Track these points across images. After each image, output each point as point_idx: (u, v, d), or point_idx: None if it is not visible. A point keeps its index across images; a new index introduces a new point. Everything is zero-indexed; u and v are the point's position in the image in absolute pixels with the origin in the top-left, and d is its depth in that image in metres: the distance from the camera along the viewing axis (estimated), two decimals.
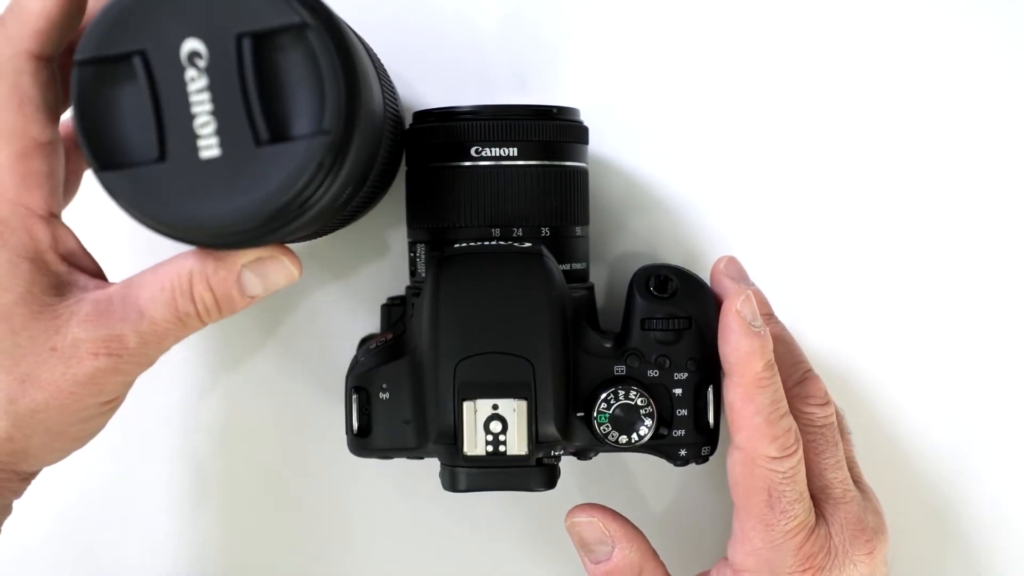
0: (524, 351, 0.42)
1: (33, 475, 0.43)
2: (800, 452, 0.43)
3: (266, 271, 0.39)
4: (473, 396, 0.42)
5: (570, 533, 0.46)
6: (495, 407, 0.42)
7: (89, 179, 0.35)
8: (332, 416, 0.53)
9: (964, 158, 0.52)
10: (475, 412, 0.42)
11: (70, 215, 0.52)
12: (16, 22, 0.38)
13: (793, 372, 0.46)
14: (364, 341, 0.49)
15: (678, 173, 0.52)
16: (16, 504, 0.54)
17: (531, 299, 0.42)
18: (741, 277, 0.47)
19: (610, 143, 0.51)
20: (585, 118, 0.48)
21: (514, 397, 0.42)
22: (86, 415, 0.40)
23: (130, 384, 0.41)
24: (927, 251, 0.52)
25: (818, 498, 0.45)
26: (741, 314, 0.43)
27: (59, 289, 0.39)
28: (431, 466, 0.46)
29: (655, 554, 0.46)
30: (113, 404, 0.41)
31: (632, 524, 0.46)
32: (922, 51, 0.52)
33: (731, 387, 0.43)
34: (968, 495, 0.53)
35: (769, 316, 0.47)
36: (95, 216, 0.52)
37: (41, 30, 0.38)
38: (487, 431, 0.42)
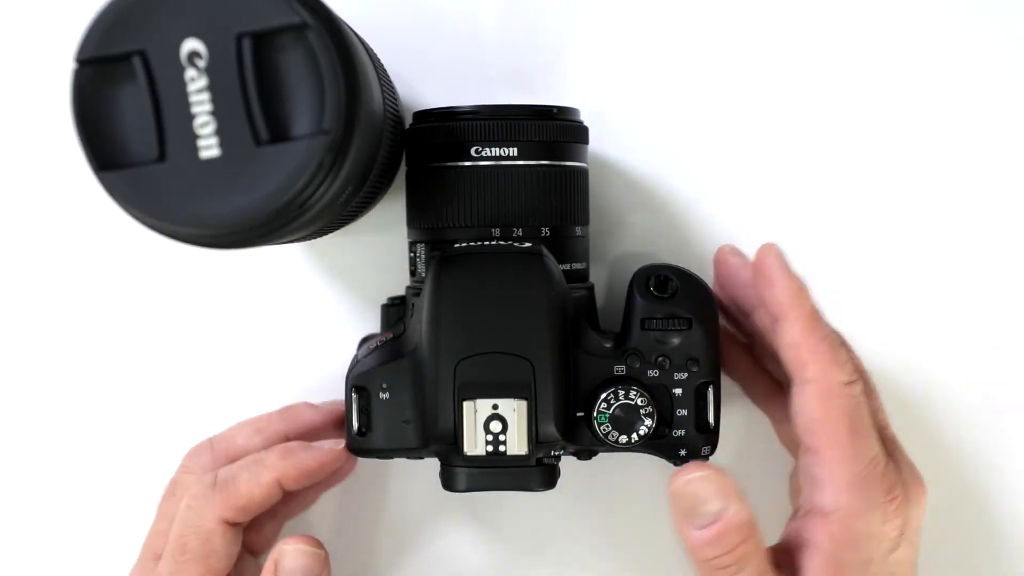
0: (524, 351, 0.42)
1: None
2: (860, 381, 0.43)
3: None
4: (473, 396, 0.42)
5: (679, 494, 0.43)
6: (495, 407, 0.42)
7: (89, 179, 0.35)
8: None
9: (964, 158, 0.52)
10: (475, 412, 0.42)
11: (70, 215, 0.52)
12: (224, 491, 0.45)
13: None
14: (364, 341, 0.49)
15: (678, 173, 0.52)
16: (16, 504, 0.55)
17: (531, 299, 0.42)
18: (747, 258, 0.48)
19: (610, 143, 0.51)
20: (585, 118, 0.48)
21: (514, 397, 0.42)
22: None
23: None
24: (931, 246, 0.52)
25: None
26: (780, 258, 0.44)
27: None
28: (431, 466, 0.46)
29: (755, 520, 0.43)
30: None
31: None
32: (922, 50, 0.52)
33: (789, 326, 0.43)
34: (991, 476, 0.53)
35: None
36: (95, 216, 0.52)
37: (240, 507, 0.45)
38: (487, 431, 0.42)
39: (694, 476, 0.42)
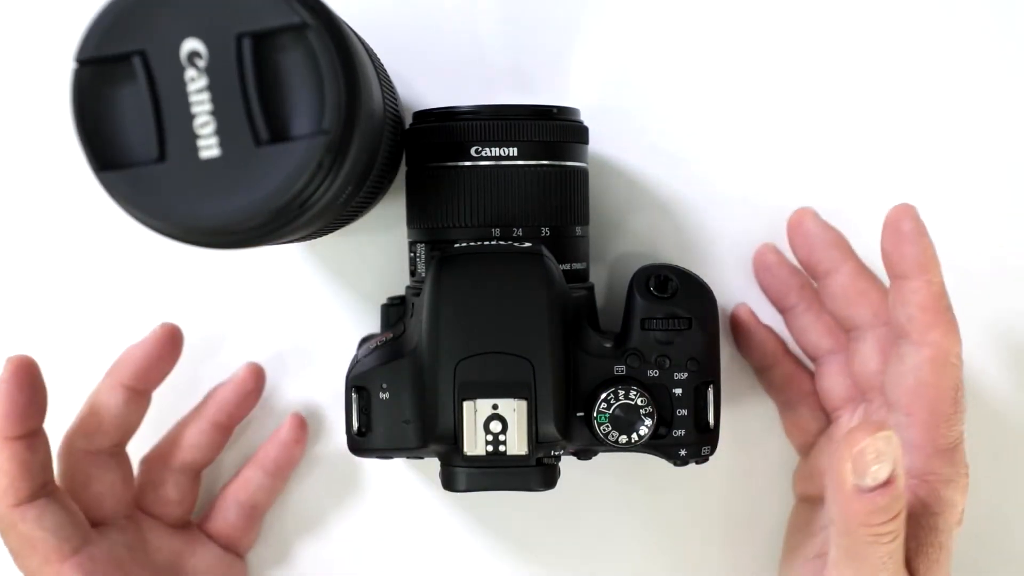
0: (524, 351, 0.42)
1: None
2: None
3: None
4: (473, 396, 0.42)
5: (862, 454, 0.39)
6: (495, 407, 0.42)
7: (89, 179, 0.35)
8: (332, 416, 0.53)
9: (964, 159, 0.52)
10: (475, 412, 0.42)
11: (69, 216, 0.52)
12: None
13: None
14: (364, 341, 0.49)
15: (678, 173, 0.52)
16: None
17: (531, 299, 0.42)
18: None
19: (610, 143, 0.51)
20: (585, 118, 0.48)
21: (514, 397, 0.42)
22: None
23: None
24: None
25: None
26: (918, 219, 0.43)
27: None
28: (431, 466, 0.46)
29: None
30: None
31: None
32: (922, 50, 0.52)
33: (920, 287, 0.43)
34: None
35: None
36: (95, 216, 0.52)
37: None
38: (487, 431, 0.42)
39: (880, 436, 0.39)
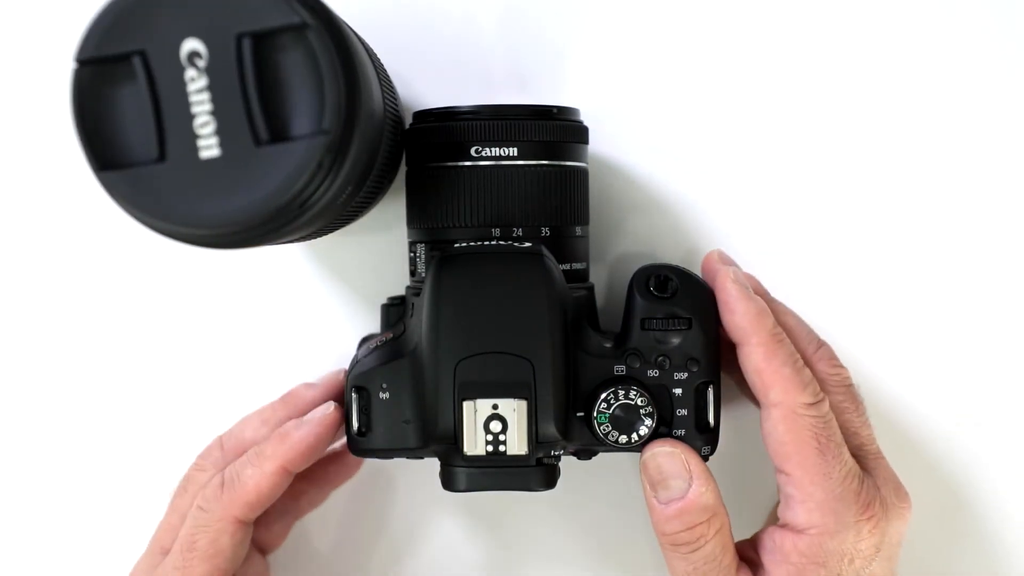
0: (524, 351, 0.42)
1: None
2: (826, 400, 0.44)
3: None
4: (473, 396, 0.42)
5: (646, 466, 0.44)
6: (495, 407, 0.42)
7: (89, 179, 0.35)
8: None
9: (963, 161, 0.52)
10: (475, 412, 0.42)
11: (69, 216, 0.52)
12: (232, 490, 0.45)
13: (809, 341, 0.47)
14: (364, 341, 0.49)
15: (678, 173, 0.52)
16: (16, 504, 0.55)
17: (531, 299, 0.42)
18: (732, 264, 0.48)
19: (610, 143, 0.51)
20: (585, 118, 0.48)
21: (514, 397, 0.42)
22: None
23: None
24: (927, 247, 0.52)
25: (856, 456, 0.45)
26: (738, 282, 0.44)
27: None
28: (431, 466, 0.46)
29: (724, 506, 0.44)
30: None
31: (708, 469, 0.45)
32: (921, 52, 0.52)
33: (751, 351, 0.43)
34: (976, 486, 0.53)
35: (766, 295, 0.48)
36: (95, 216, 0.52)
37: (250, 503, 0.45)
38: (487, 431, 0.42)
39: (661, 451, 0.44)
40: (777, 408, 0.43)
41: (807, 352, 0.46)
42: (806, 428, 0.43)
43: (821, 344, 0.47)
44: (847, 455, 0.44)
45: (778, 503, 0.47)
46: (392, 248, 0.52)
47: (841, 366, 0.46)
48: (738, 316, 0.44)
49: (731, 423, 0.50)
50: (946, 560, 0.54)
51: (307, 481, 0.51)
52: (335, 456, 0.51)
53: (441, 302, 0.42)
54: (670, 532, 0.43)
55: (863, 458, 0.45)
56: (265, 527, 0.50)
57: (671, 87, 0.52)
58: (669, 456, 0.44)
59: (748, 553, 0.45)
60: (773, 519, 0.49)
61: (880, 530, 0.43)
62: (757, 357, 0.43)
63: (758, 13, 0.52)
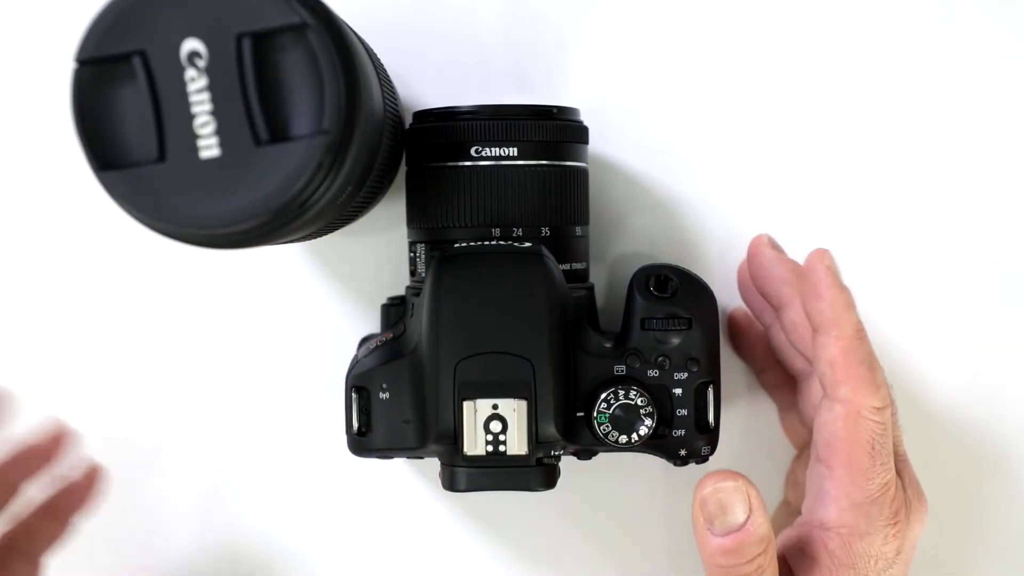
0: (524, 351, 0.42)
1: None
2: (891, 406, 0.43)
3: None
4: (473, 396, 0.42)
5: (706, 502, 0.42)
6: (495, 407, 0.42)
7: (89, 179, 0.35)
8: (332, 416, 0.53)
9: (965, 157, 0.52)
10: (475, 412, 0.42)
11: (69, 216, 0.52)
12: None
13: None
14: (364, 341, 0.49)
15: (678, 173, 0.52)
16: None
17: (531, 299, 0.42)
18: (781, 250, 0.48)
19: (610, 143, 0.51)
20: (585, 118, 0.48)
21: (514, 397, 0.42)
22: None
23: None
24: (931, 246, 0.52)
25: None
26: (831, 269, 0.43)
27: None
28: (431, 466, 0.46)
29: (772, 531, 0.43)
30: None
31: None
32: (922, 50, 0.52)
33: (830, 342, 0.42)
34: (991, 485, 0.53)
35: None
36: (95, 216, 0.52)
37: None
38: (487, 431, 0.42)
39: (725, 485, 0.42)
40: (843, 405, 0.42)
41: None
42: (866, 431, 0.42)
43: None
44: (892, 463, 0.43)
45: (781, 504, 0.47)
46: (392, 248, 0.52)
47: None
48: (825, 304, 0.42)
49: (731, 423, 0.50)
50: (956, 560, 0.54)
51: (39, 516, 0.49)
52: (68, 486, 0.49)
53: (441, 302, 0.42)
54: (728, 565, 0.42)
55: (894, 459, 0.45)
56: (7, 572, 0.47)
57: (671, 87, 0.52)
58: (733, 491, 0.42)
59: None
60: (785, 517, 0.49)
61: (902, 534, 0.43)
62: (835, 350, 0.42)
63: (758, 13, 0.52)
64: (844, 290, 0.43)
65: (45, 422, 0.48)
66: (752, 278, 0.48)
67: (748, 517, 0.41)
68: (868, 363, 0.43)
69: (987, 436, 0.53)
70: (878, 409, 0.42)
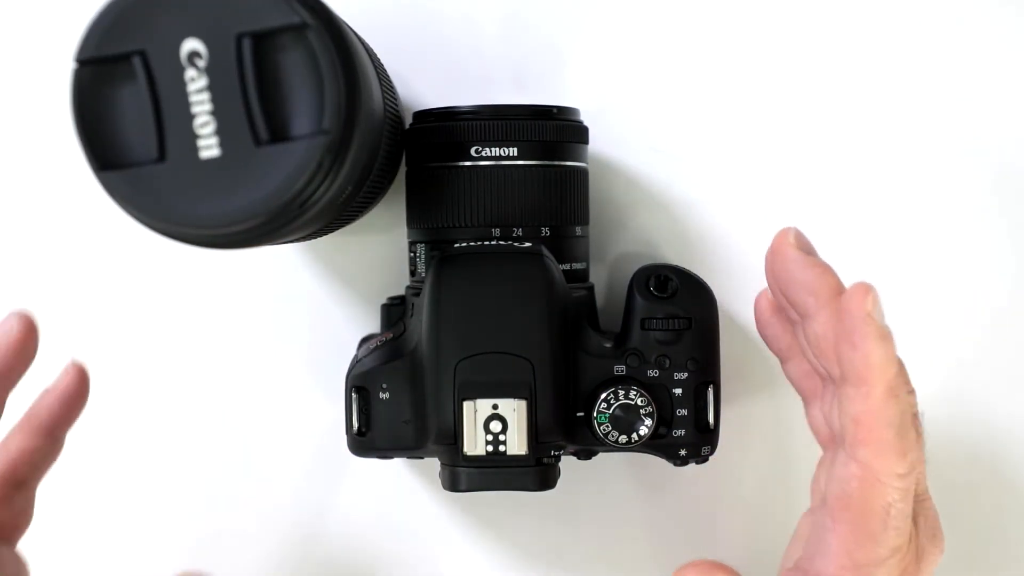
0: (524, 351, 0.42)
1: None
2: (918, 468, 0.39)
3: None
4: (473, 396, 0.42)
5: None
6: (495, 407, 0.42)
7: (89, 179, 0.35)
8: (332, 416, 0.53)
9: (966, 157, 0.52)
10: (475, 412, 0.42)
11: (70, 216, 0.52)
12: None
13: None
14: (364, 341, 0.49)
15: (678, 174, 0.52)
16: None
17: (531, 299, 0.42)
18: (812, 251, 0.42)
19: (610, 143, 0.51)
20: (585, 118, 0.48)
21: (514, 397, 0.42)
22: None
23: None
24: (933, 247, 0.52)
25: None
26: (871, 315, 0.36)
27: None
28: (431, 466, 0.46)
29: None
30: None
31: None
32: (923, 49, 0.52)
33: (857, 398, 0.37)
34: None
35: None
36: (95, 216, 0.52)
37: None
38: (487, 431, 0.42)
39: None
40: (861, 467, 0.38)
41: None
42: (882, 497, 0.38)
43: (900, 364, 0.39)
44: (908, 524, 0.39)
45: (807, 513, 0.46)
46: (392, 248, 0.52)
47: (912, 391, 0.39)
48: (859, 356, 0.37)
49: (731, 424, 0.50)
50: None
51: (26, 433, 0.45)
52: (56, 395, 0.45)
53: (441, 302, 0.42)
54: None
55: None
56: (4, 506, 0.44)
57: (671, 87, 0.52)
58: None
59: None
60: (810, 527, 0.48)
61: None
62: (862, 408, 0.37)
63: (758, 12, 0.52)
64: (885, 340, 0.37)
65: (9, 318, 0.42)
66: (773, 278, 0.42)
67: None
68: (898, 426, 0.37)
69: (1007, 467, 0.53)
70: (901, 476, 0.38)
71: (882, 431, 0.37)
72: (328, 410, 0.53)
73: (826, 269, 0.40)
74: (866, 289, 0.37)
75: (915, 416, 0.39)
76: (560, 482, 0.45)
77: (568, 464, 0.46)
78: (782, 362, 0.50)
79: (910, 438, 0.38)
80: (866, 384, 0.37)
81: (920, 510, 0.41)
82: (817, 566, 0.40)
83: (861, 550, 0.39)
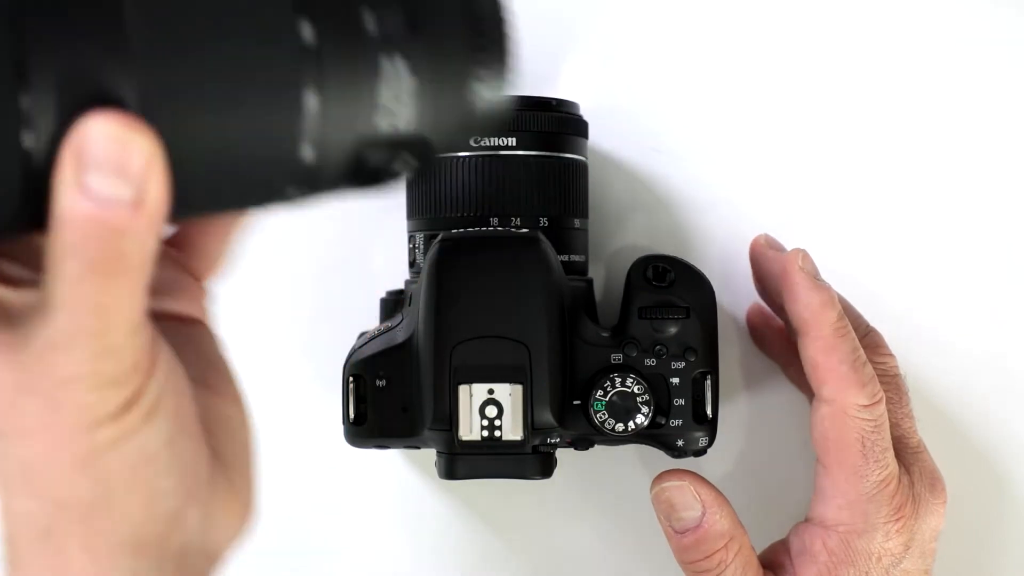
0: (520, 335, 0.42)
1: None
2: (884, 400, 0.43)
3: None
4: (469, 380, 0.42)
5: (657, 500, 0.45)
6: (491, 391, 0.42)
7: None
8: (331, 410, 0.52)
9: (968, 156, 0.52)
10: (470, 396, 0.42)
11: None
12: None
13: (857, 327, 0.46)
14: (362, 336, 0.49)
15: (678, 171, 0.52)
16: None
17: (528, 283, 0.42)
18: (780, 248, 0.48)
19: (610, 140, 0.51)
20: (586, 115, 0.48)
21: (510, 382, 0.42)
22: None
23: None
24: (934, 245, 0.52)
25: (896, 448, 0.44)
26: (805, 269, 0.43)
27: None
28: (427, 456, 0.45)
29: (741, 525, 0.44)
30: None
31: (720, 492, 0.45)
32: (924, 49, 0.52)
33: (809, 343, 0.43)
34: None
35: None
36: None
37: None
38: (482, 416, 0.42)
39: (669, 484, 0.44)
40: (828, 405, 0.43)
41: None
42: (854, 430, 0.42)
43: (869, 330, 0.46)
44: (890, 458, 0.43)
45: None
46: (391, 241, 0.52)
47: (889, 354, 0.46)
48: (801, 306, 0.43)
49: (732, 415, 0.50)
50: (988, 551, 0.53)
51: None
52: None
53: (438, 286, 0.42)
54: (690, 561, 0.44)
55: (901, 451, 0.45)
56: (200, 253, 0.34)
57: (671, 86, 0.52)
58: (678, 489, 0.44)
59: (779, 556, 0.45)
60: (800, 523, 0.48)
61: (908, 529, 0.43)
62: (815, 350, 0.43)
63: (759, 10, 0.52)
64: (820, 289, 0.43)
65: None
66: (758, 281, 0.49)
67: (703, 514, 0.43)
68: (850, 360, 0.42)
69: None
70: (865, 406, 0.42)
71: (837, 366, 0.42)
72: (326, 404, 0.52)
73: (789, 253, 0.45)
74: (796, 251, 0.44)
75: (892, 370, 0.45)
76: (557, 473, 0.45)
77: (566, 456, 0.46)
78: (783, 368, 0.50)
79: (866, 371, 0.43)
80: (814, 327, 0.43)
81: (914, 460, 0.45)
82: (819, 512, 0.44)
83: (849, 485, 0.43)
